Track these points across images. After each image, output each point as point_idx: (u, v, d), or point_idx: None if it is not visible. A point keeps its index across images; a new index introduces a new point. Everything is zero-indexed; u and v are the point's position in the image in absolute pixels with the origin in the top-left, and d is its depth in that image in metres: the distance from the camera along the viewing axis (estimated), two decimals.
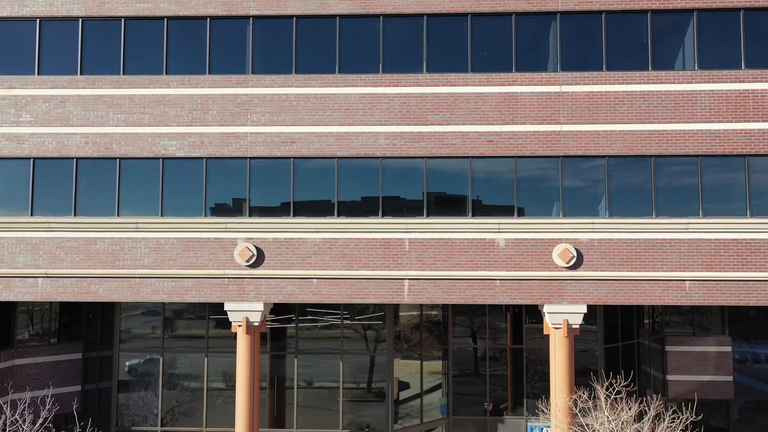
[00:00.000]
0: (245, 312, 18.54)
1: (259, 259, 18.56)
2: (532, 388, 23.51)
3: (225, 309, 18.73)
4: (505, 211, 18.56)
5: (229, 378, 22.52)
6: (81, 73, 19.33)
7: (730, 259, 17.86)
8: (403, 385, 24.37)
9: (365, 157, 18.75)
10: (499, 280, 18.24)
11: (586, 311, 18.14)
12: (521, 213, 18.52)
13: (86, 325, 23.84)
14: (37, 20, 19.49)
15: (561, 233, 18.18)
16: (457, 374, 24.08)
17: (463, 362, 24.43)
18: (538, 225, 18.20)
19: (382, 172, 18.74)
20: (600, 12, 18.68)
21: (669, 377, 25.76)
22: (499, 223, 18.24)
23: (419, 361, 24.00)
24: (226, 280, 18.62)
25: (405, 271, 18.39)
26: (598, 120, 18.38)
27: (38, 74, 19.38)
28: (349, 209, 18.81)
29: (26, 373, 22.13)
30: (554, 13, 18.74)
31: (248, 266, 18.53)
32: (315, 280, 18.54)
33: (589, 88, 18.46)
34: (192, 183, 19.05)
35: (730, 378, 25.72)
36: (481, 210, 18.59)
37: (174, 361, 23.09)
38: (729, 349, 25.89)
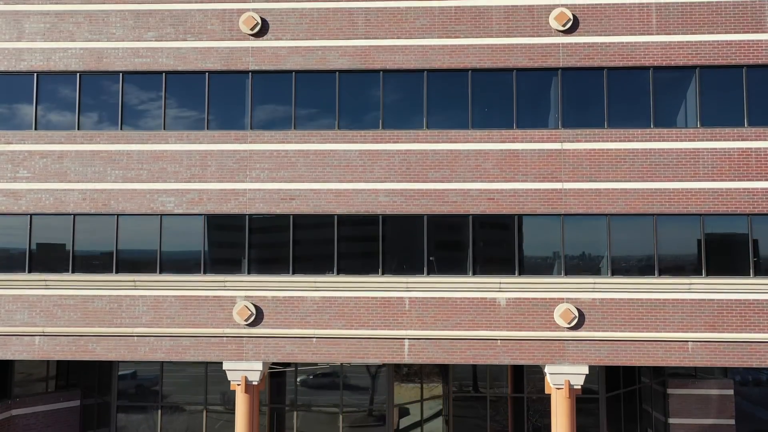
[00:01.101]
0: (244, 371, 18.39)
1: (258, 318, 18.40)
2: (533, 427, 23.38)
3: (223, 368, 18.57)
4: (506, 268, 18.39)
5: (228, 401, 22.51)
6: (79, 128, 19.20)
7: (733, 320, 17.71)
8: (404, 411, 24.30)
9: (365, 215, 18.60)
10: (500, 340, 18.09)
11: (587, 372, 17.98)
12: (522, 271, 18.36)
13: (84, 371, 23.66)
14: (35, 74, 19.36)
15: (562, 292, 18.03)
16: (457, 393, 23.88)
17: (464, 379, 24.23)
18: (540, 284, 18.04)
19: (382, 229, 18.59)
20: (601, 68, 18.55)
21: (671, 420, 25.64)
22: (500, 283, 18.09)
23: (419, 385, 23.93)
24: (224, 339, 18.46)
25: (405, 330, 18.23)
26: (600, 178, 18.24)
27: (35, 129, 19.26)
28: (349, 265, 18.63)
29: (24, 423, 21.98)
30: (555, 69, 18.60)
31: (247, 325, 18.38)
32: (314, 340, 18.38)
33: (590, 146, 18.32)
34: (191, 239, 18.91)
35: (732, 421, 25.58)
36: (482, 267, 18.41)
37: (171, 387, 23.17)
38: (731, 392, 25.75)
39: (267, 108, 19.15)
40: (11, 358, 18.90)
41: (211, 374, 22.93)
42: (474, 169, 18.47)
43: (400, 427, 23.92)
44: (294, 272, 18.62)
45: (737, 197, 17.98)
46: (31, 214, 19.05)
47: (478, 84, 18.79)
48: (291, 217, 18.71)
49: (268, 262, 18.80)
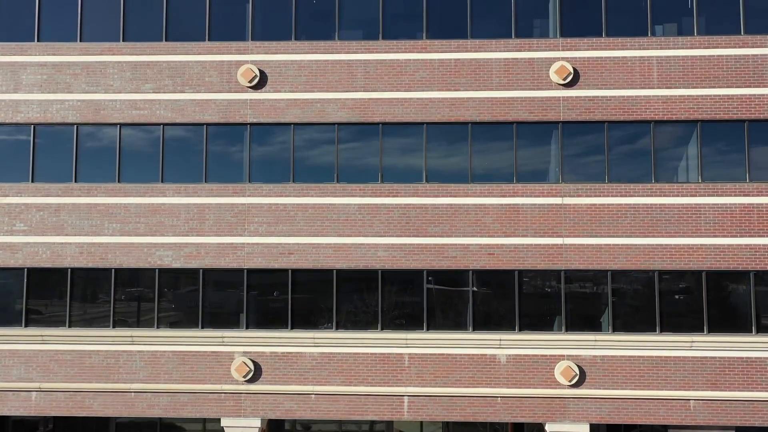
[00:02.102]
0: (242, 428, 18.22)
1: (256, 374, 18.24)
2: None
3: (222, 425, 18.40)
4: (506, 323, 18.25)
5: None
6: (76, 181, 19.06)
7: (736, 378, 17.56)
8: None
9: (364, 269, 18.45)
10: (501, 397, 17.92)
11: (588, 431, 17.81)
12: (522, 327, 18.21)
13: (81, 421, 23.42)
14: (32, 126, 19.23)
15: (563, 349, 17.88)
16: None
17: None
18: (540, 341, 17.89)
19: (381, 284, 18.44)
20: (602, 122, 18.43)
21: None
22: (501, 339, 17.94)
23: None
24: (222, 395, 18.29)
25: (405, 387, 18.07)
26: (601, 233, 18.11)
27: (32, 182, 19.12)
28: (348, 320, 18.49)
29: None
30: (556, 122, 18.48)
31: (245, 381, 18.21)
32: (313, 396, 18.22)
33: (591, 201, 18.19)
34: (188, 294, 18.78)
35: None
36: (482, 322, 18.26)
37: None
38: None
39: (265, 160, 19.03)
40: (8, 413, 18.73)
41: None
42: (474, 223, 18.33)
43: None
44: (293, 327, 18.48)
45: (739, 253, 17.84)
46: (27, 268, 18.91)
47: (478, 137, 18.67)
48: (290, 271, 18.56)
49: (267, 317, 18.65)
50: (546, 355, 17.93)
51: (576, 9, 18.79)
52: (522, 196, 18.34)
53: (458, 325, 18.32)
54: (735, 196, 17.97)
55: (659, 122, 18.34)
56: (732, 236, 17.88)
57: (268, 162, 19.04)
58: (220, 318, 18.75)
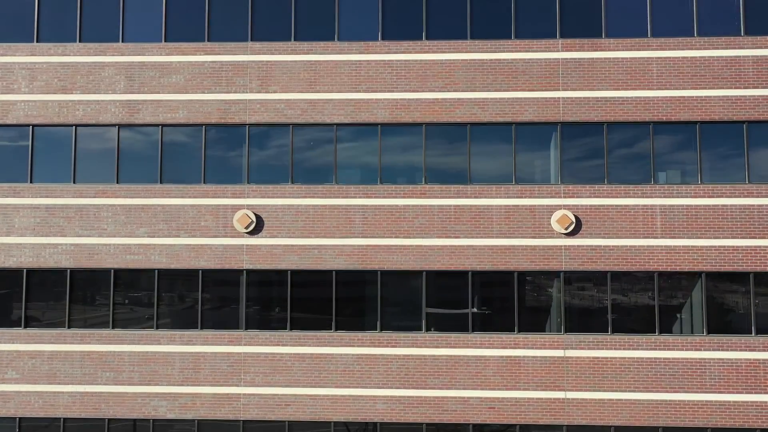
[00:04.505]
0: None
1: None
2: None
3: None
4: None
5: None
6: (69, 328, 18.72)
7: None
8: None
9: (363, 422, 18.10)
10: None
11: None
12: None
13: None
14: (24, 270, 18.90)
15: None
16: None
17: None
18: None
19: None
20: (605, 272, 18.08)
21: None
22: None
23: None
24: None
25: None
26: (604, 387, 17.74)
27: (24, 328, 18.77)
28: None
29: None
30: (558, 272, 18.14)
31: None
32: None
33: (594, 353, 17.83)
34: None
35: None
36: None
37: None
38: None
39: (262, 308, 18.68)
40: None
41: None
42: (474, 376, 17.97)
43: None
44: None
45: (746, 411, 17.46)
46: (19, 418, 18.54)
47: (478, 285, 18.33)
48: (287, 423, 18.19)
49: None
50: None
51: (577, 154, 18.46)
52: (523, 347, 17.98)
53: None
54: (741, 350, 17.60)
55: (663, 273, 17.98)
56: (738, 392, 17.51)
57: (265, 309, 18.70)
58: None
